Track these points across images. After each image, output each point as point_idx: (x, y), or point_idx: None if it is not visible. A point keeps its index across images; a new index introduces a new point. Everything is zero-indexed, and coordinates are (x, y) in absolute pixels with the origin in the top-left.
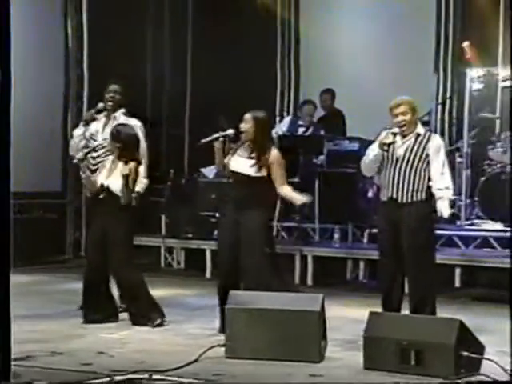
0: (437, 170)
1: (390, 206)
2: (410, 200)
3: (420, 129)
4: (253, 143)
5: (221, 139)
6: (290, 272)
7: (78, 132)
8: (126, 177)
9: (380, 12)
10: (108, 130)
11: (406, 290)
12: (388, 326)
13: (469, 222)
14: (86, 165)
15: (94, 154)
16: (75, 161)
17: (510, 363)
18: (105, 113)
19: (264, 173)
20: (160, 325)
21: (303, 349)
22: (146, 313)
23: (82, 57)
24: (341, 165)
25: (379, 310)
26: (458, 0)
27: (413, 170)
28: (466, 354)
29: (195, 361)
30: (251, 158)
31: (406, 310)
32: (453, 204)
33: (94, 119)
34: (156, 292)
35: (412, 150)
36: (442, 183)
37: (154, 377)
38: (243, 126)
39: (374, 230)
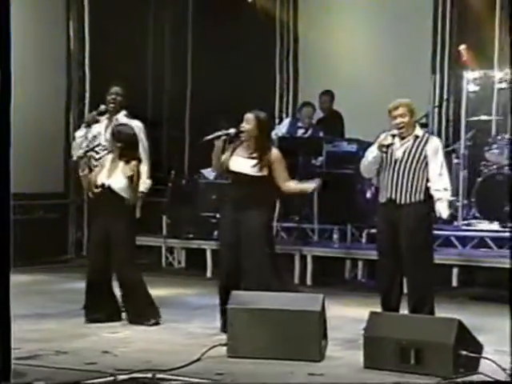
0: (435, 171)
1: (388, 207)
2: (408, 201)
3: (418, 131)
4: (254, 143)
5: (223, 137)
6: (289, 272)
7: (79, 134)
8: (130, 178)
9: (377, 15)
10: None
11: (405, 289)
12: (388, 325)
13: (466, 223)
14: (85, 163)
15: (97, 156)
16: (74, 158)
17: (510, 363)
18: (107, 115)
19: (265, 172)
20: (155, 324)
21: (304, 348)
22: (143, 312)
23: (83, 58)
24: (339, 166)
25: (378, 309)
26: (455, 3)
27: (411, 172)
28: (464, 353)
29: (198, 360)
30: (252, 158)
31: (404, 310)
32: (451, 205)
33: (96, 121)
34: (157, 291)
35: (410, 151)
36: (440, 184)
37: (158, 376)
38: (245, 126)
39: (373, 230)
